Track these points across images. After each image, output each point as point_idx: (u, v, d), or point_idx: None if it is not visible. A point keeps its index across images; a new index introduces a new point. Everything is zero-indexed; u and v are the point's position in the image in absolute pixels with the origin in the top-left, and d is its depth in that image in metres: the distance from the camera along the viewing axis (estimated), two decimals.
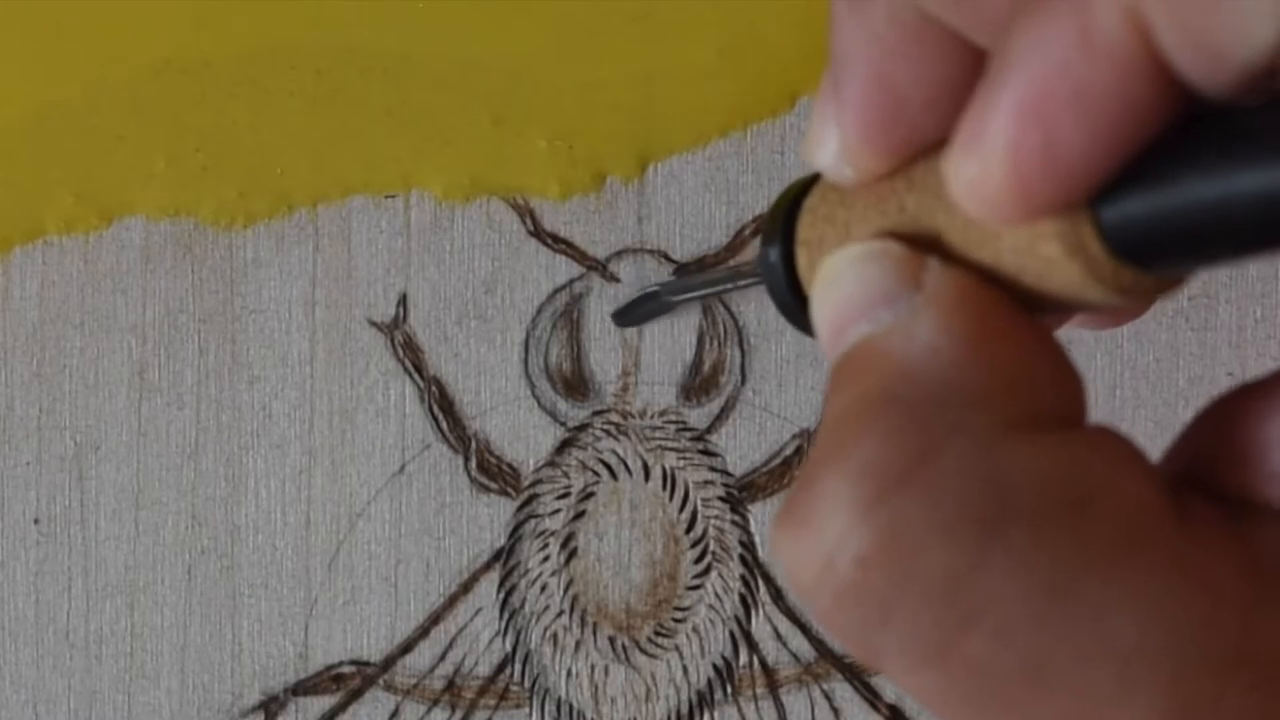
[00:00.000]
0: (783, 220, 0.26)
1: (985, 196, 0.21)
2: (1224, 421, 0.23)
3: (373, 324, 0.41)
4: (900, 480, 0.21)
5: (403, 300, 0.41)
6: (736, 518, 0.42)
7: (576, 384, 0.41)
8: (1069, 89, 0.19)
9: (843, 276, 0.23)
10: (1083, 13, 0.19)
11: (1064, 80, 0.19)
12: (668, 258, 0.41)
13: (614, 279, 0.41)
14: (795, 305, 0.26)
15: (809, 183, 0.26)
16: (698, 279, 0.39)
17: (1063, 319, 0.26)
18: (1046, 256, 0.22)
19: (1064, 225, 0.21)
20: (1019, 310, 0.23)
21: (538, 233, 0.41)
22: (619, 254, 0.41)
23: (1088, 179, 0.20)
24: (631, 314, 0.41)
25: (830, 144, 0.23)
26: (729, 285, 0.37)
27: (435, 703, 0.41)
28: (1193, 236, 0.20)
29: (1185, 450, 0.24)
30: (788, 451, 0.42)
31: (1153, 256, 0.21)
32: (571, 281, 0.41)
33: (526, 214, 0.41)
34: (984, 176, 0.20)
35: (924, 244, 0.23)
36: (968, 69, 0.22)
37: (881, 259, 0.23)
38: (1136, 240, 0.21)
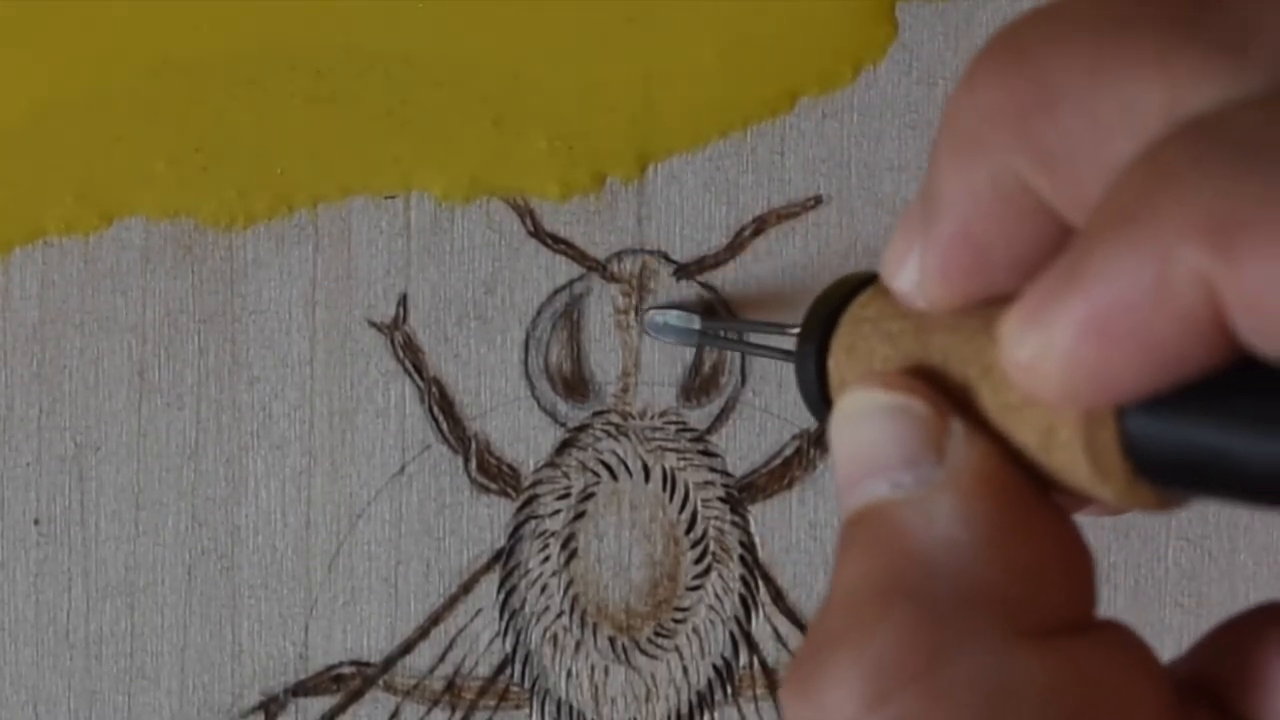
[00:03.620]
0: (823, 321, 0.27)
1: (1031, 378, 0.21)
2: (1242, 642, 0.23)
3: (373, 324, 0.41)
4: (909, 680, 0.21)
5: (403, 301, 0.41)
6: (736, 518, 0.42)
7: (576, 385, 0.41)
8: (1134, 326, 0.20)
9: (864, 424, 0.24)
10: (1161, 262, 0.20)
11: (1130, 316, 0.20)
12: (668, 258, 0.41)
13: (614, 279, 0.41)
14: (821, 406, 0.27)
15: (858, 283, 0.27)
16: (734, 332, 0.40)
17: (1077, 504, 0.26)
18: (1062, 435, 0.22)
19: (1090, 422, 0.22)
20: (1036, 494, 0.23)
21: (538, 233, 0.41)
22: (619, 254, 0.41)
23: (1129, 397, 0.21)
24: (660, 326, 0.41)
25: (910, 272, 0.24)
26: (761, 350, 0.38)
27: (435, 703, 0.41)
28: (1210, 475, 0.21)
29: (1200, 659, 0.24)
30: (788, 452, 0.42)
31: (1168, 478, 0.22)
32: (571, 282, 0.41)
33: (526, 214, 0.41)
34: (1034, 362, 0.21)
35: (954, 386, 0.24)
36: (1054, 241, 0.22)
37: (906, 415, 0.23)
38: (1155, 459, 0.21)
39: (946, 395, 0.23)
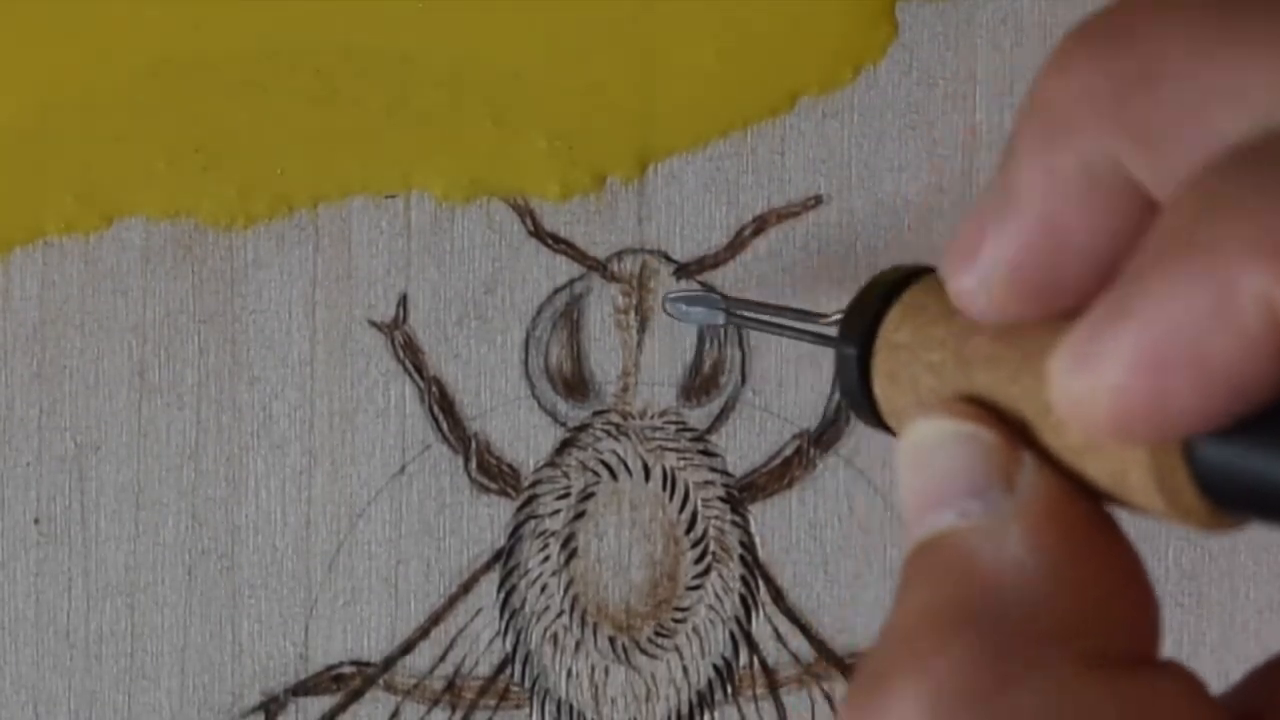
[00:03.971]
0: (870, 317, 0.26)
1: (1083, 415, 0.21)
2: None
3: (373, 324, 0.41)
4: (972, 708, 0.21)
5: (403, 301, 0.41)
6: (737, 518, 0.42)
7: (576, 384, 0.41)
8: (1193, 353, 0.20)
9: (933, 453, 0.23)
10: (1223, 284, 0.19)
11: (1190, 343, 0.19)
12: (668, 258, 0.41)
13: (614, 279, 0.41)
14: (866, 406, 0.26)
15: (902, 278, 0.26)
16: (765, 310, 0.39)
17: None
18: (1133, 478, 0.22)
19: (1160, 463, 0.21)
20: (1104, 525, 0.23)
21: (538, 233, 0.41)
22: (619, 254, 0.41)
23: (1190, 430, 0.20)
24: (682, 308, 0.40)
25: (981, 266, 0.23)
26: (794, 333, 0.37)
27: (435, 703, 0.41)
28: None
29: (1243, 698, 0.24)
30: (788, 452, 0.42)
31: (1238, 505, 0.21)
32: (572, 282, 0.41)
33: (526, 214, 0.41)
34: (1086, 399, 0.21)
35: (1007, 404, 0.23)
36: (1141, 228, 0.22)
37: (975, 445, 0.23)
38: (1225, 486, 0.21)
39: (1013, 429, 0.23)
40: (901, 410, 0.25)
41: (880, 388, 0.26)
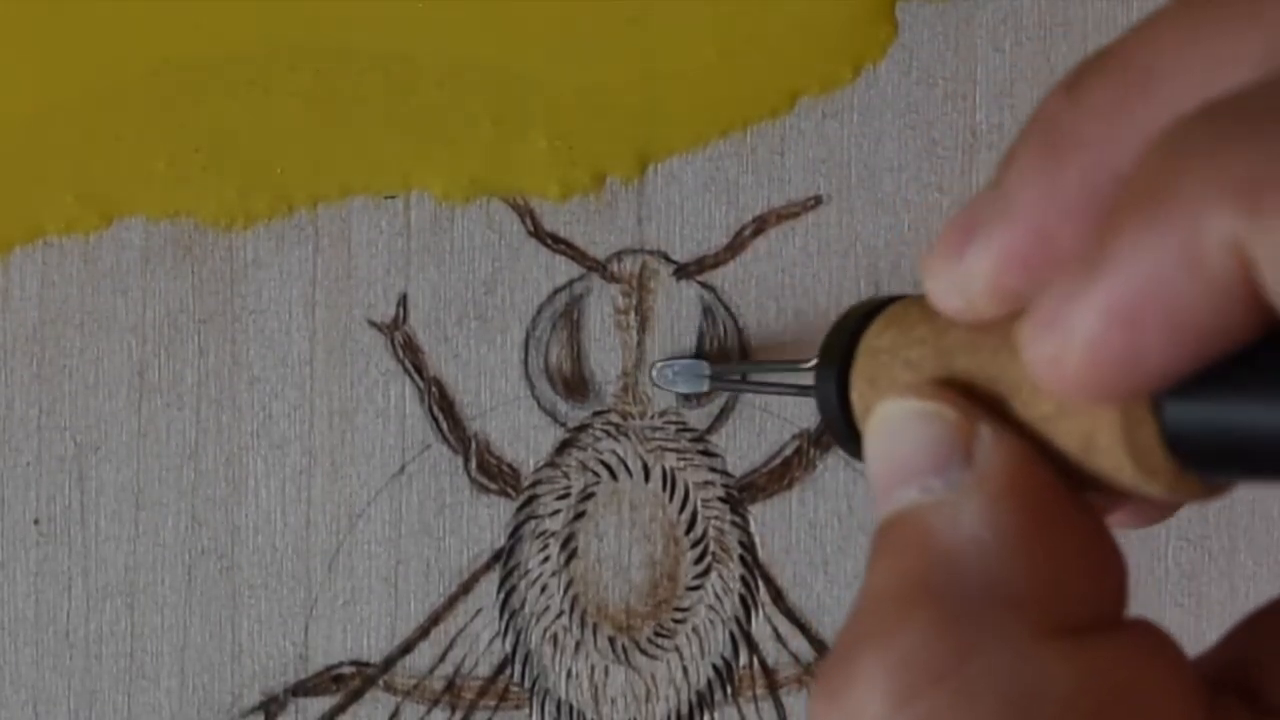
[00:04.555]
0: (840, 352, 0.27)
1: (1056, 374, 0.21)
2: (1274, 629, 0.23)
3: (373, 324, 0.41)
4: (934, 679, 0.21)
5: (403, 301, 0.41)
6: (736, 518, 0.42)
7: (576, 385, 0.41)
8: (1162, 302, 0.20)
9: (895, 433, 0.24)
10: (1189, 232, 0.19)
11: (1159, 293, 0.20)
12: (668, 258, 0.41)
13: (614, 279, 0.41)
14: (849, 438, 0.27)
15: (870, 309, 0.27)
16: (748, 376, 0.40)
17: (1110, 505, 0.26)
18: (1102, 440, 0.22)
19: (1129, 423, 0.22)
20: (1066, 493, 0.23)
21: (538, 233, 0.41)
22: (619, 254, 0.41)
23: (1161, 383, 0.20)
24: (669, 376, 0.41)
25: (957, 272, 0.23)
26: (775, 389, 0.39)
27: (435, 703, 0.41)
28: (1256, 456, 0.21)
29: (1230, 650, 0.24)
30: (787, 452, 0.42)
31: (1213, 466, 0.21)
32: (571, 282, 0.41)
33: (526, 214, 0.41)
34: (1059, 358, 0.21)
35: (984, 384, 0.24)
36: None
37: (935, 420, 0.23)
38: (1199, 450, 0.21)
39: (980, 405, 0.23)
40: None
41: (859, 394, 0.26)
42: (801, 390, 0.37)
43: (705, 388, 0.41)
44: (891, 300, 0.27)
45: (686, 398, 0.42)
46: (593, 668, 0.41)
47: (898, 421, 0.24)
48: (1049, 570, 0.22)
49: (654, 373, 0.41)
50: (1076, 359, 0.21)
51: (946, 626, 0.22)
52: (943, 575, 0.22)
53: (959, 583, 0.22)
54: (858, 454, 0.26)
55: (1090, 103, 0.22)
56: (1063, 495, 0.23)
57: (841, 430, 0.27)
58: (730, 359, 0.41)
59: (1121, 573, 0.23)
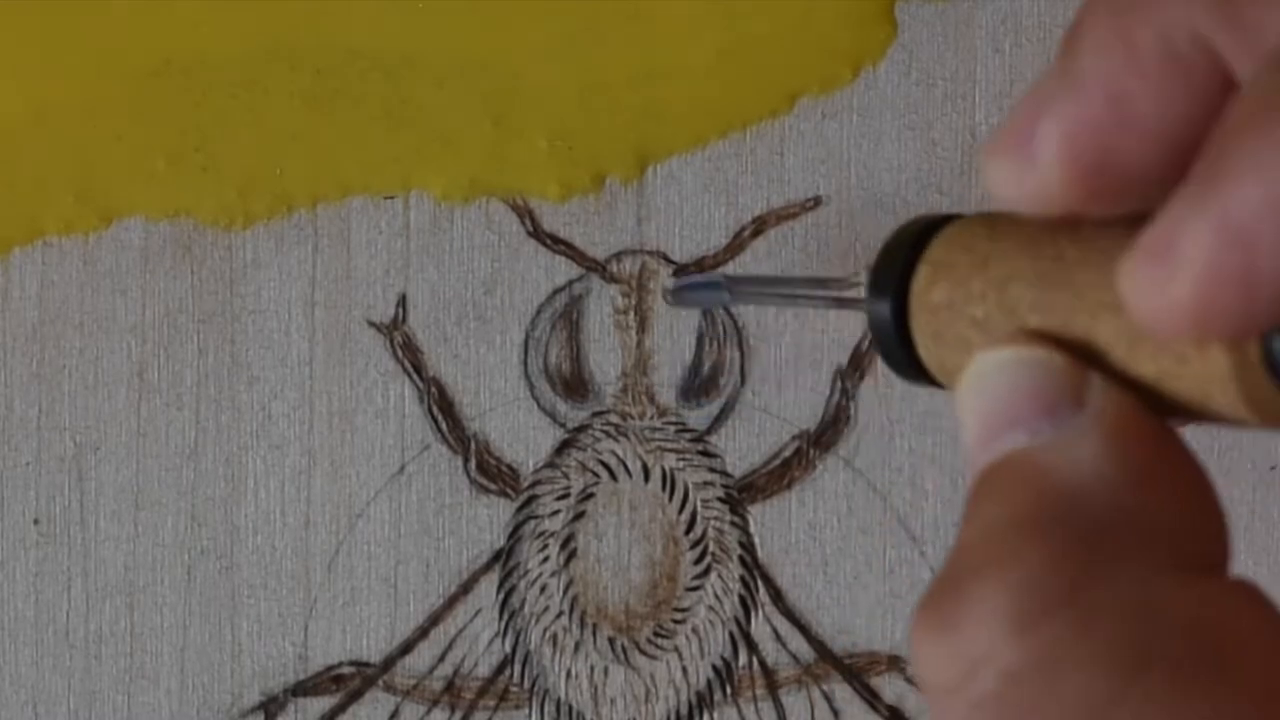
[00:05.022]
0: (899, 273, 0.25)
1: (1162, 309, 0.20)
2: None
3: (372, 325, 0.41)
4: (1059, 603, 0.21)
5: (402, 301, 0.41)
6: (736, 519, 0.42)
7: (576, 385, 0.41)
8: None
9: (997, 379, 0.23)
10: None
11: (1279, 218, 0.19)
12: (667, 258, 0.41)
13: (614, 279, 0.41)
14: (909, 364, 0.25)
15: (929, 225, 0.25)
16: (776, 283, 0.38)
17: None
18: (1208, 374, 0.21)
19: (1233, 347, 0.21)
20: (1178, 441, 0.22)
21: (537, 233, 0.41)
22: (619, 255, 0.41)
23: (1276, 317, 0.19)
24: (685, 295, 0.40)
25: (1026, 151, 0.22)
26: (816, 300, 0.35)
27: (435, 703, 0.41)
28: None
29: None
30: (787, 453, 0.42)
31: None
32: (571, 282, 0.41)
33: (526, 215, 0.41)
34: (1167, 289, 0.20)
35: (1077, 332, 0.23)
36: (1214, 113, 0.21)
37: (1043, 367, 0.23)
38: None
39: (1074, 337, 0.23)
40: (954, 366, 0.25)
41: (925, 349, 0.25)
42: (840, 302, 0.35)
43: (724, 300, 0.39)
44: (932, 227, 0.25)
45: (687, 397, 0.42)
46: (592, 668, 0.41)
47: (998, 368, 0.23)
48: (1169, 509, 0.22)
49: (667, 294, 0.40)
50: (1186, 290, 0.19)
51: (1068, 554, 0.21)
52: (1063, 508, 0.22)
53: (1080, 514, 0.21)
54: (923, 381, 0.25)
55: None
56: (1175, 439, 0.22)
57: (907, 366, 0.25)
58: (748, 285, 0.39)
59: (1224, 521, 0.23)
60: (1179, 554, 0.22)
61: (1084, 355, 0.23)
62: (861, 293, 0.26)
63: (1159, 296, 0.20)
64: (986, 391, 0.23)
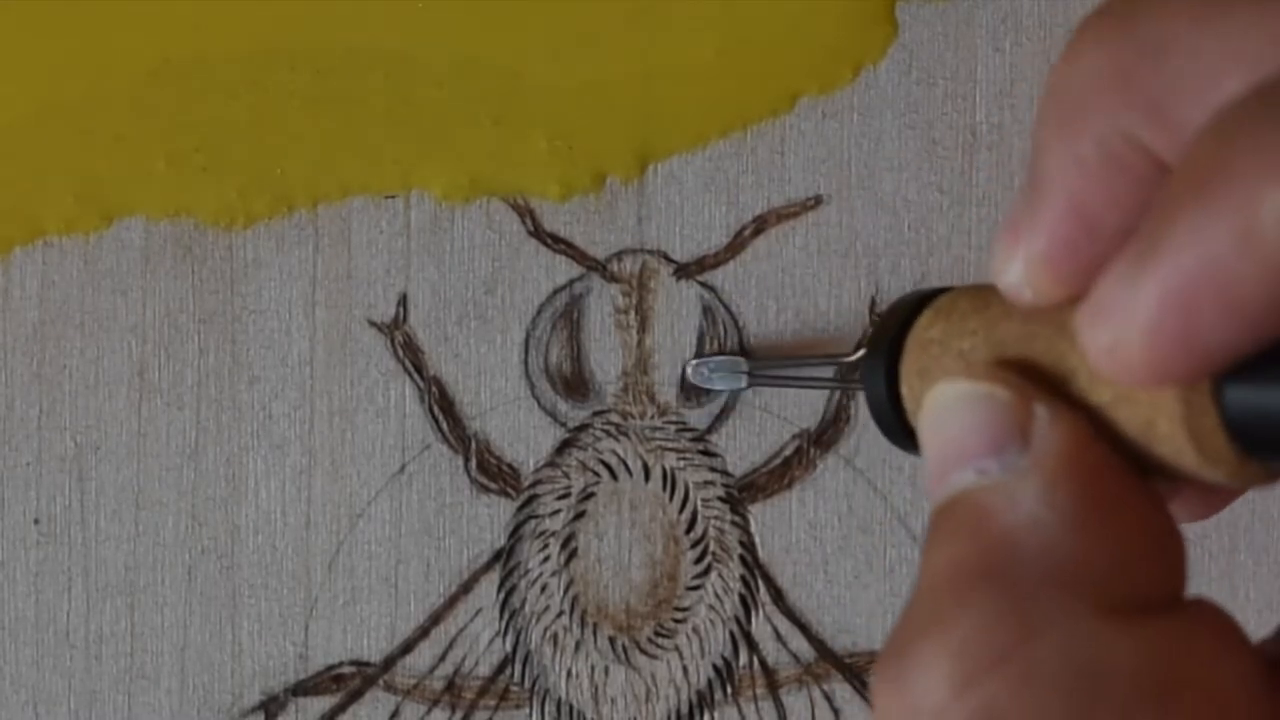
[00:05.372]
0: (892, 338, 0.26)
1: (1114, 361, 0.21)
2: None
3: (373, 324, 0.41)
4: (995, 663, 0.21)
5: (403, 300, 0.41)
6: (737, 518, 0.42)
7: (576, 384, 0.41)
8: (1219, 284, 0.20)
9: (949, 415, 0.24)
10: (1244, 213, 0.19)
11: (1216, 275, 0.20)
12: (668, 258, 0.41)
13: (614, 279, 0.41)
14: (898, 427, 0.27)
15: (917, 302, 0.26)
16: (787, 367, 0.40)
17: (1169, 493, 0.26)
18: (1162, 427, 0.22)
19: (1185, 397, 0.22)
20: (1125, 472, 0.23)
21: (538, 233, 0.41)
22: (619, 254, 0.41)
23: (1219, 366, 0.20)
24: (704, 374, 0.41)
25: (1017, 264, 0.24)
26: (817, 383, 0.38)
27: (435, 703, 0.41)
28: None
29: None
30: (788, 452, 0.42)
31: (1270, 447, 0.21)
32: (571, 282, 0.41)
33: (526, 214, 0.41)
34: (1117, 344, 0.21)
35: (1044, 367, 0.23)
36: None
37: (990, 402, 0.23)
38: (1255, 428, 0.21)
39: (1037, 387, 0.23)
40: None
41: (909, 388, 0.26)
42: (844, 384, 0.37)
43: (744, 384, 0.41)
44: (938, 292, 0.26)
45: (687, 397, 0.42)
46: (593, 667, 0.42)
47: (950, 404, 0.24)
48: (1109, 549, 0.22)
49: (689, 370, 0.41)
50: (1134, 344, 0.20)
51: (1006, 608, 0.22)
52: (1001, 557, 0.22)
53: (1018, 564, 0.22)
54: (907, 447, 0.26)
55: (1092, 69, 0.23)
56: (1122, 475, 0.23)
57: (891, 423, 0.27)
58: (747, 354, 0.41)
59: (1181, 552, 0.23)
60: (1124, 595, 0.22)
61: (1057, 386, 0.23)
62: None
63: (1111, 352, 0.21)
64: (940, 426, 0.24)
